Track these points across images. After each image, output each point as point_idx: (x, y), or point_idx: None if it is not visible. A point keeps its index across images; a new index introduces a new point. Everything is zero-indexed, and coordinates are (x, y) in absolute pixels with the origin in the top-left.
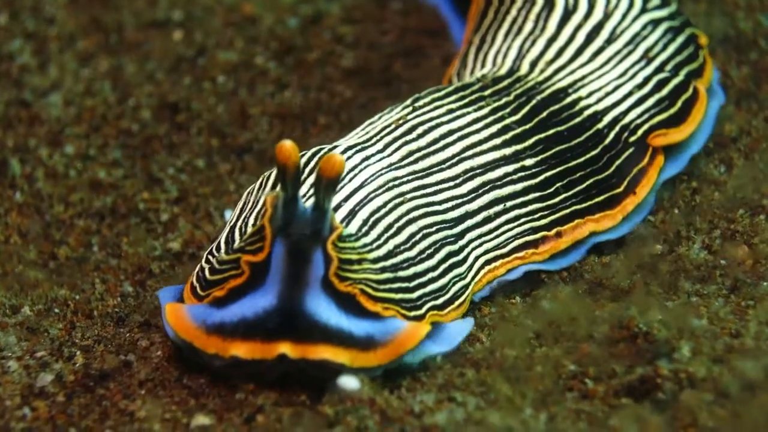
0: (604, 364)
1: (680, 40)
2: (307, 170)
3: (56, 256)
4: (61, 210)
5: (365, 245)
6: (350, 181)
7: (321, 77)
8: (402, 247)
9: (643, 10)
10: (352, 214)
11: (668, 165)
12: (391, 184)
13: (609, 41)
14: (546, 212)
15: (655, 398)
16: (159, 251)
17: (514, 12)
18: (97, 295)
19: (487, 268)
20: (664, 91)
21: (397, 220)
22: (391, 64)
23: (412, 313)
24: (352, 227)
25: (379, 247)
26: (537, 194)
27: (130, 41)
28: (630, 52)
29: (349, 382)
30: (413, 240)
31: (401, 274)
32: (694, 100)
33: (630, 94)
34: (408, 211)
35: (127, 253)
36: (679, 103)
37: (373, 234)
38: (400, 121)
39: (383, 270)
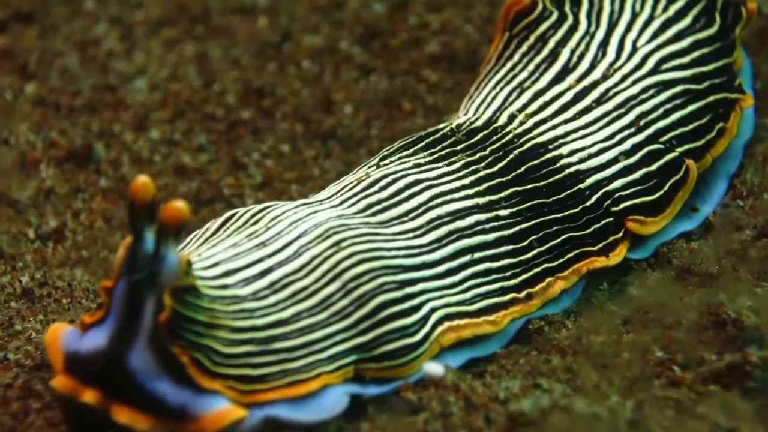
0: (693, 351)
1: (693, 107)
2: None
3: None
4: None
5: (241, 310)
6: (288, 233)
7: (407, 62)
8: (317, 306)
9: (654, 71)
10: (272, 269)
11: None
12: (332, 232)
13: (598, 101)
14: (517, 269)
15: (744, 386)
16: None
17: (516, 57)
18: None
19: (448, 324)
20: (654, 167)
21: (326, 273)
22: (476, 49)
23: (286, 379)
24: (262, 282)
25: (283, 309)
26: (510, 247)
27: (216, 26)
28: (620, 116)
29: (433, 368)
30: (338, 292)
31: (294, 342)
32: (682, 183)
33: (616, 160)
34: (340, 261)
35: None
36: (666, 187)
37: (286, 292)
38: (363, 177)
39: (261, 341)
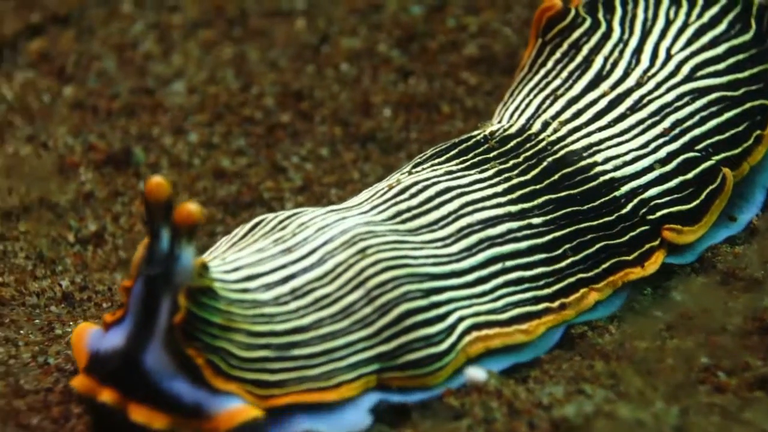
0: (738, 357)
1: (729, 114)
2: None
3: None
4: (185, 199)
5: (261, 314)
6: (314, 240)
7: (445, 65)
8: (340, 314)
9: (689, 79)
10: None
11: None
12: (358, 239)
13: (633, 109)
14: (551, 279)
15: None
16: None
17: (549, 64)
18: None
19: (476, 334)
20: (690, 175)
21: (350, 280)
22: (515, 52)
23: (300, 387)
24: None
25: (304, 316)
26: (543, 255)
27: (254, 29)
28: (655, 123)
29: (476, 374)
30: (361, 300)
31: (313, 349)
32: (718, 192)
33: (651, 168)
34: (365, 268)
35: None
36: (703, 195)
37: (308, 299)
38: (394, 184)
39: (279, 347)
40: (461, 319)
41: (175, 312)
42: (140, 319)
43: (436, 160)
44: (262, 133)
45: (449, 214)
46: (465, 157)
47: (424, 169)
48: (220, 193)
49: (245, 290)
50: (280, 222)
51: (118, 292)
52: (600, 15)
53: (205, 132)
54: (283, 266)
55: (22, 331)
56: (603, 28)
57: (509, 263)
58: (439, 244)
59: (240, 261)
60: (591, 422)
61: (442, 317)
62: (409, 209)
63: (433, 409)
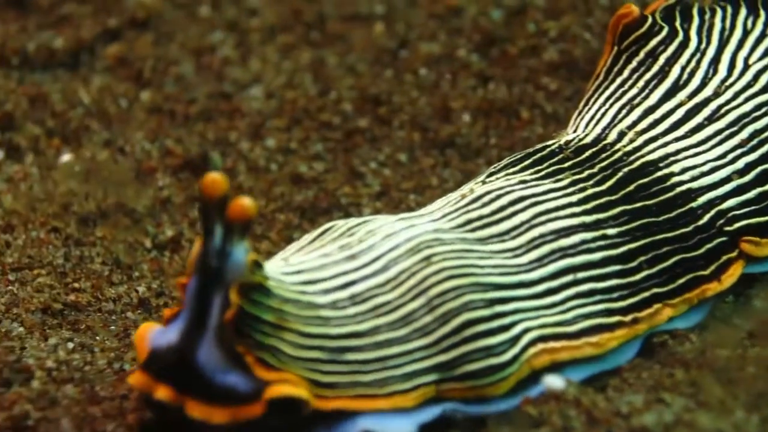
0: None
1: None
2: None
3: (257, 250)
4: (263, 204)
5: (316, 316)
6: (379, 247)
7: (525, 70)
8: (398, 322)
9: (767, 88)
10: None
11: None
12: (424, 246)
13: (710, 119)
14: (625, 292)
15: None
16: None
17: (626, 73)
18: None
19: (542, 346)
20: None
21: (412, 288)
22: (595, 57)
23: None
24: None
25: (361, 321)
26: (617, 267)
27: (332, 33)
28: (733, 134)
29: (554, 382)
30: (422, 308)
31: (368, 355)
32: None
33: (729, 179)
34: (428, 276)
35: None
36: None
37: (368, 305)
38: (467, 193)
39: (332, 350)
40: (527, 331)
41: (227, 308)
42: (194, 315)
43: (510, 170)
44: (340, 138)
45: (521, 224)
46: (539, 167)
47: (498, 178)
48: (297, 198)
49: (303, 292)
50: (349, 228)
51: (175, 287)
52: (677, 23)
53: (282, 137)
54: (345, 273)
55: (98, 338)
56: (680, 37)
57: (581, 275)
58: (509, 254)
59: (302, 265)
60: (670, 431)
61: (505, 328)
62: (480, 218)
63: (510, 417)
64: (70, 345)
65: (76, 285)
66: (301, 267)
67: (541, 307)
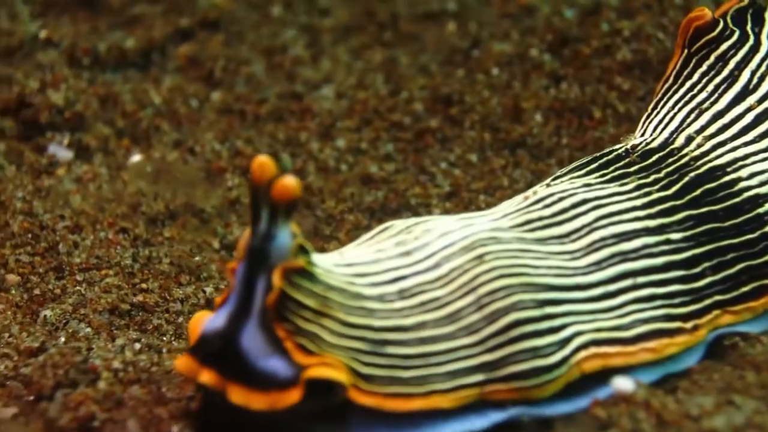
0: None
1: None
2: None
3: (325, 251)
4: (332, 205)
5: (360, 307)
6: (434, 244)
7: (598, 70)
8: (445, 319)
9: None
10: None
11: None
12: (478, 244)
13: None
14: (687, 298)
15: None
16: None
17: (695, 77)
18: None
19: (594, 350)
20: None
21: (463, 285)
22: (669, 57)
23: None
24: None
25: (406, 316)
26: (680, 273)
27: (404, 33)
28: None
29: (623, 384)
30: (470, 306)
31: (410, 350)
32: None
33: None
34: (479, 274)
35: None
36: None
37: (415, 300)
38: (530, 195)
39: (374, 342)
40: (579, 334)
41: (270, 292)
42: (240, 300)
43: (576, 173)
44: (411, 138)
45: (582, 226)
46: (605, 171)
47: (562, 181)
48: (367, 199)
49: (351, 283)
50: (408, 227)
51: (225, 272)
52: (748, 27)
53: (353, 137)
54: (396, 268)
55: (164, 338)
56: (751, 41)
57: (641, 279)
58: (567, 256)
59: (356, 258)
60: None
61: (555, 330)
62: (540, 218)
63: (578, 420)
64: (137, 346)
65: (143, 285)
66: (354, 260)
67: (597, 310)
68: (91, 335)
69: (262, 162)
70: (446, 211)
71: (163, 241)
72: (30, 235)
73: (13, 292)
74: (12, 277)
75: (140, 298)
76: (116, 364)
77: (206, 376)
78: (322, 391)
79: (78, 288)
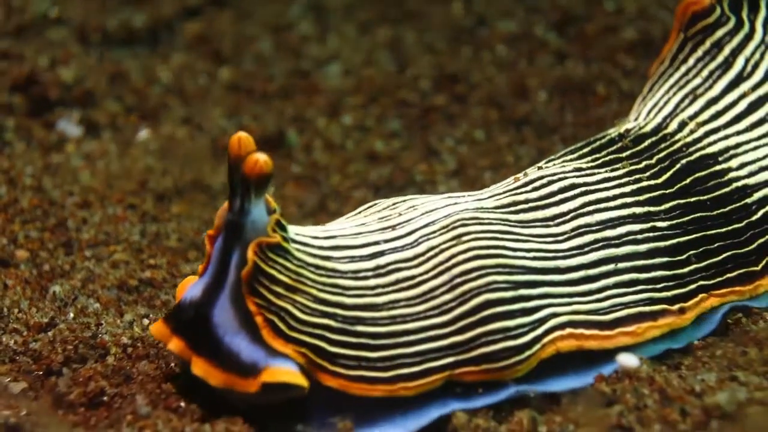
0: None
1: None
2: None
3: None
4: (338, 181)
5: (334, 284)
6: (416, 221)
7: (603, 48)
8: (417, 298)
9: None
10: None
11: None
12: (458, 224)
13: None
14: (671, 283)
15: None
16: None
17: (691, 62)
18: None
19: (570, 330)
20: None
21: (438, 265)
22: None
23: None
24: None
25: (379, 294)
26: (665, 259)
27: (410, 11)
28: None
29: (628, 360)
30: (443, 286)
31: (379, 329)
32: None
33: None
34: (455, 254)
35: None
36: None
37: (390, 278)
38: (520, 176)
39: (344, 320)
40: (554, 315)
41: (243, 266)
42: (216, 272)
43: (569, 157)
44: (417, 115)
45: (569, 211)
46: (597, 155)
47: (555, 164)
48: (373, 176)
49: (326, 258)
50: (394, 203)
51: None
52: (744, 14)
53: (359, 114)
54: (376, 242)
55: None
56: (746, 28)
57: (623, 264)
58: (550, 239)
59: (335, 231)
60: (744, 409)
61: (527, 311)
62: (526, 201)
63: (583, 395)
64: (146, 321)
65: (151, 261)
66: (334, 233)
67: (575, 293)
68: (99, 311)
69: (240, 137)
70: (451, 189)
71: (170, 217)
72: (39, 211)
73: (23, 267)
74: (21, 253)
75: (148, 273)
76: (125, 340)
77: (174, 344)
78: (279, 390)
79: (87, 264)
